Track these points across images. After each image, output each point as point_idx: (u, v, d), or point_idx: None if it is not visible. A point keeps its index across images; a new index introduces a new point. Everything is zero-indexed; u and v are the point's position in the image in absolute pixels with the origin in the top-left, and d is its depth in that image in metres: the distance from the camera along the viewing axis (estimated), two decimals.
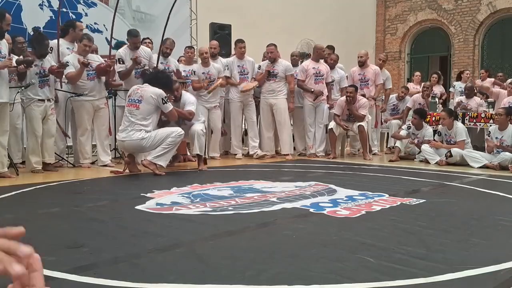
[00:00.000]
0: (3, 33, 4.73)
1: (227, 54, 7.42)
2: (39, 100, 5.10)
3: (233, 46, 7.40)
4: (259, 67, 6.85)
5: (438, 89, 8.80)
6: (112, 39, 6.08)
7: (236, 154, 6.88)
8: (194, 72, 6.56)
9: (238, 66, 6.84)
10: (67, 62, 5.43)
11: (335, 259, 2.12)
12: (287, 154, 6.85)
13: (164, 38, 6.25)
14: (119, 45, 6.48)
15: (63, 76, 5.47)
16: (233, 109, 6.87)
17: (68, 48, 5.76)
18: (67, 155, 5.96)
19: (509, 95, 7.24)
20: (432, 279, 1.85)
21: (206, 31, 8.42)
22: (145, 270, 1.96)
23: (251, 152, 6.88)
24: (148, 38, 6.71)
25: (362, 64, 7.31)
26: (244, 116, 7.02)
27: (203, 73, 6.55)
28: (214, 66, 6.62)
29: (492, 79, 9.20)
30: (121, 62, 5.96)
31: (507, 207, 3.53)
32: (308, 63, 7.09)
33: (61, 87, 5.64)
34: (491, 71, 9.96)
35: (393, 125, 7.83)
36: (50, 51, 5.61)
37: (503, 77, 9.04)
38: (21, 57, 5.02)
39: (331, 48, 7.84)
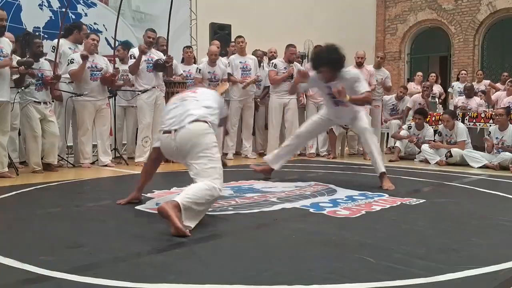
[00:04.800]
0: (2, 30, 4.72)
1: (227, 54, 7.42)
2: (35, 102, 5.10)
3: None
4: (275, 66, 6.76)
5: (436, 89, 8.81)
6: (116, 40, 6.08)
7: (227, 154, 6.77)
8: (200, 70, 6.57)
9: (240, 62, 6.81)
10: (72, 59, 5.46)
11: (335, 259, 2.12)
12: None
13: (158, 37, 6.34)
14: (127, 44, 6.52)
15: (64, 76, 5.50)
16: (232, 108, 6.82)
17: (70, 48, 5.76)
18: (67, 155, 5.96)
19: (508, 95, 7.24)
20: (432, 279, 1.84)
21: (206, 31, 8.42)
22: (145, 270, 1.96)
23: (244, 154, 6.94)
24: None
25: (361, 65, 7.32)
26: (241, 117, 6.99)
27: (209, 72, 6.58)
28: (220, 66, 6.64)
29: (488, 81, 9.18)
30: (132, 58, 5.92)
31: (507, 207, 3.54)
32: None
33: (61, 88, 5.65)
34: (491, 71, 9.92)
35: (393, 125, 7.83)
36: (44, 52, 5.52)
37: (508, 77, 8.93)
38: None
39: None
